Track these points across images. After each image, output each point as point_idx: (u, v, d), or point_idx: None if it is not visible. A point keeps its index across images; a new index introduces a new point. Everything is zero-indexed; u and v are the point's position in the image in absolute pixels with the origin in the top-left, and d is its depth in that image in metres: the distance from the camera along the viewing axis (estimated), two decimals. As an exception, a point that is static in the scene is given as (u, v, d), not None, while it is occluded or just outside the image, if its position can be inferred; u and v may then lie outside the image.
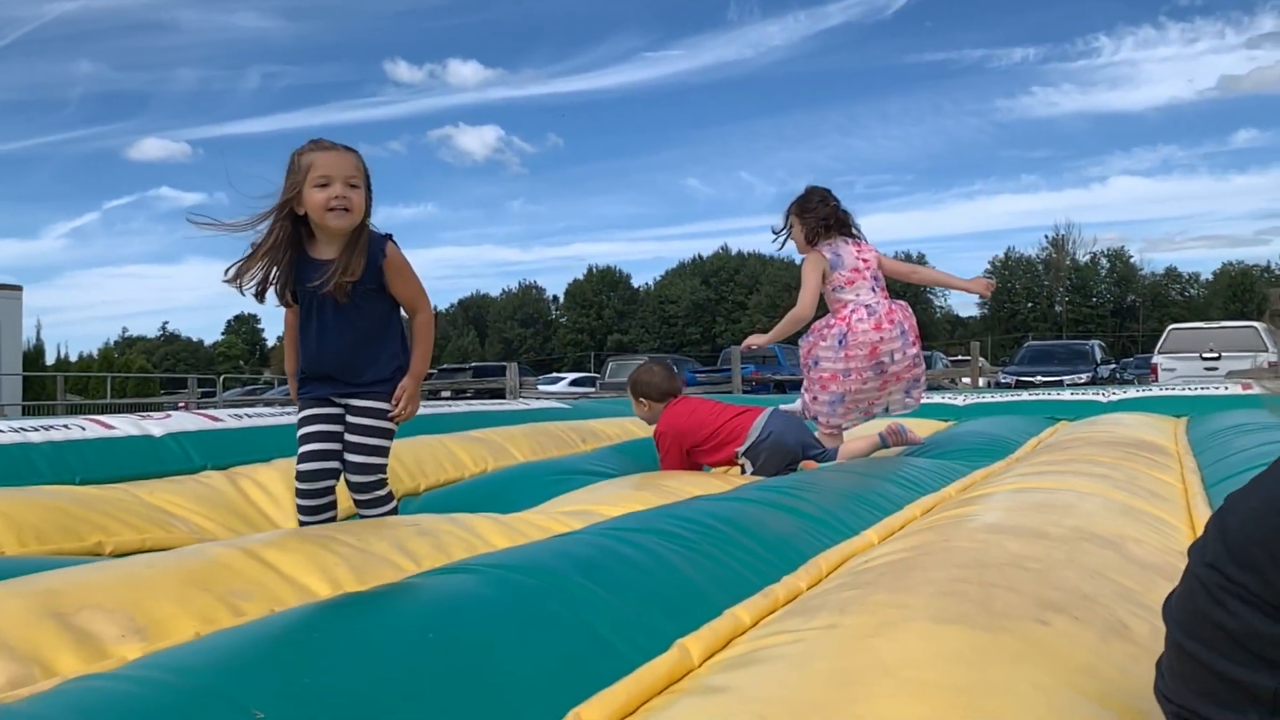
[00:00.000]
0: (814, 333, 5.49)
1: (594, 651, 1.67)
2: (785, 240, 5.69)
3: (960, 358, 30.69)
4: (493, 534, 2.88)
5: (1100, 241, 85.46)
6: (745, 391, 17.50)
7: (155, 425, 4.92)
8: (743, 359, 18.98)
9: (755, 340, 5.81)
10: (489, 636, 1.61)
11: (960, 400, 9.34)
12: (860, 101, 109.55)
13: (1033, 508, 2.77)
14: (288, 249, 3.28)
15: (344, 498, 3.53)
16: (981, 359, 24.63)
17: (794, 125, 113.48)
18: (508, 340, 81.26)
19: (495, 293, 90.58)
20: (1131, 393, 9.09)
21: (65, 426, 4.63)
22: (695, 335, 74.94)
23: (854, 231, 5.58)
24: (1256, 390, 8.68)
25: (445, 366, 37.13)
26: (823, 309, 5.57)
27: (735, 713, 1.27)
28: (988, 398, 9.49)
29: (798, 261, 5.62)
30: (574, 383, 32.31)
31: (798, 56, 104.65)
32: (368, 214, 3.33)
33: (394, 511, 3.53)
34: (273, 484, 4.35)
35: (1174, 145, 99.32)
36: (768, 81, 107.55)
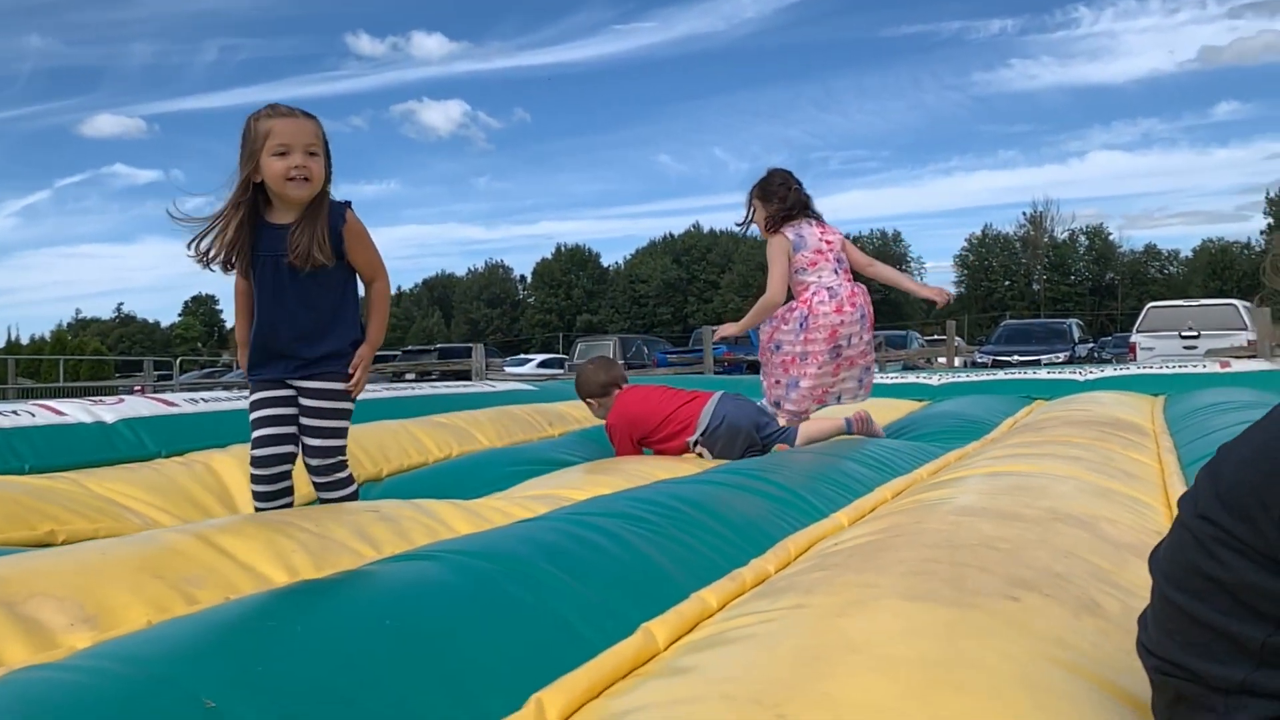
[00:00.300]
0: (775, 317, 5.50)
1: (558, 637, 1.68)
2: (749, 225, 5.71)
3: (936, 337, 30.84)
4: (456, 519, 2.88)
5: (1079, 218, 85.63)
6: (717, 373, 17.52)
7: (108, 411, 4.88)
8: (715, 340, 18.99)
9: (728, 330, 5.81)
10: (449, 623, 1.61)
11: (935, 380, 9.38)
12: (836, 75, 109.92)
13: (1006, 490, 2.79)
14: (247, 217, 3.27)
15: (304, 484, 3.52)
16: (958, 338, 24.78)
17: (768, 100, 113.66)
18: (474, 321, 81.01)
19: (461, 272, 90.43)
20: (1109, 371, 9.15)
21: (14, 413, 4.59)
22: (666, 315, 74.89)
23: (816, 212, 5.60)
24: (1236, 368, 8.75)
25: (409, 348, 37.03)
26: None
27: (701, 693, 1.28)
28: (963, 377, 9.53)
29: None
30: (542, 364, 32.26)
31: (772, 29, 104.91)
32: (328, 181, 3.32)
33: (355, 495, 3.53)
34: (228, 471, 4.32)
35: (1154, 119, 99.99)
36: (741, 54, 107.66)
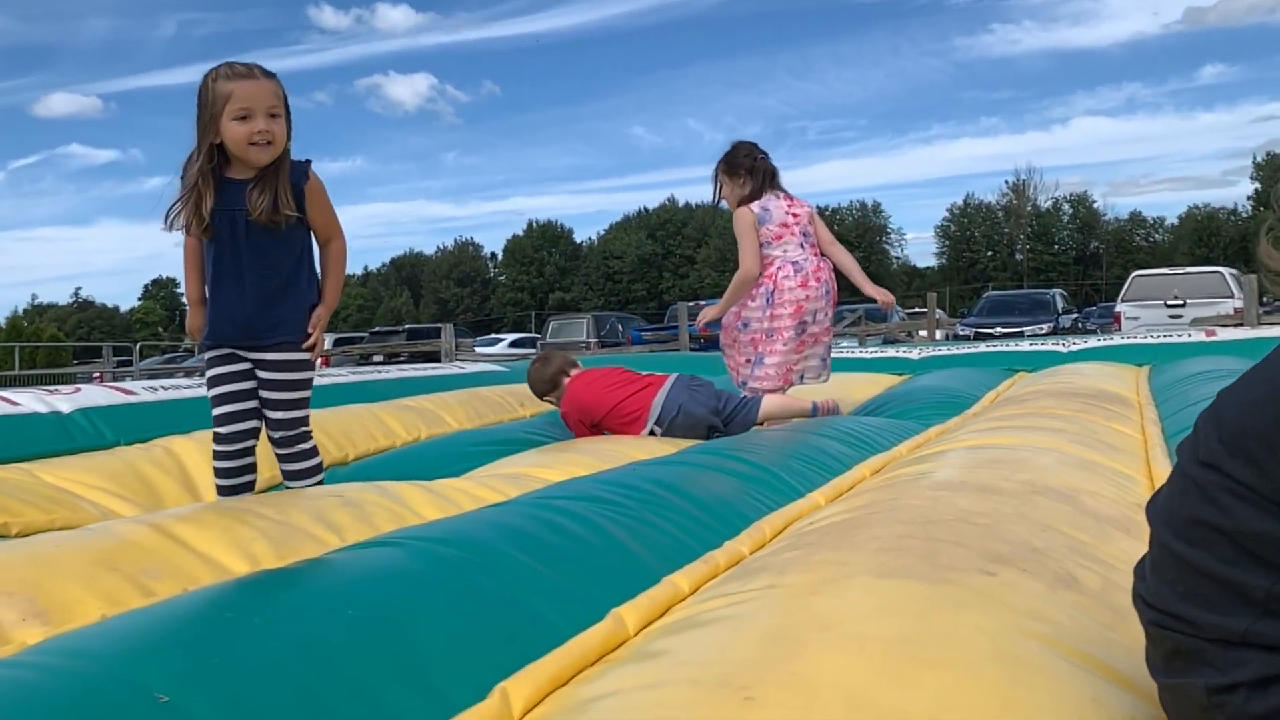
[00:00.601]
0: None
1: (525, 624, 1.68)
2: (720, 200, 5.72)
3: (917, 310, 30.90)
4: (422, 504, 2.88)
5: (1062, 186, 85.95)
6: (693, 349, 17.53)
7: (63, 401, 4.84)
8: (690, 316, 18.99)
9: (709, 314, 5.79)
10: (412, 612, 1.61)
11: (915, 354, 9.40)
12: (812, 42, 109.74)
13: (985, 464, 2.80)
14: (211, 178, 3.26)
15: (266, 467, 3.52)
16: (939, 310, 24.84)
17: (744, 69, 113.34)
18: (443, 301, 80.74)
19: (429, 251, 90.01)
20: (1092, 342, 9.19)
21: (-35, 403, 4.55)
22: (641, 292, 74.78)
23: (782, 185, 5.61)
24: (1222, 336, 8.80)
25: (377, 330, 36.85)
26: None
27: (668, 677, 1.29)
28: (944, 350, 9.56)
29: None
30: (514, 344, 32.17)
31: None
32: (288, 138, 3.32)
33: (319, 467, 3.55)
34: (189, 454, 4.30)
35: (1139, 83, 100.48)
36: (715, 22, 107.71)
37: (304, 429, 3.47)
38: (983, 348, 9.68)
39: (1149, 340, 8.95)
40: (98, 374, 25.49)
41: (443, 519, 2.47)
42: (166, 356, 38.67)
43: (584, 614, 1.72)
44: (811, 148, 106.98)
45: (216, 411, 3.39)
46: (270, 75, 3.28)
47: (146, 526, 2.30)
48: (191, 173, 3.24)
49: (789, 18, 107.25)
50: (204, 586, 1.88)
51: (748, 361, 5.49)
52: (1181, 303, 19.05)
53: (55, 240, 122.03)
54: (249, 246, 3.29)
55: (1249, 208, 66.36)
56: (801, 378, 5.54)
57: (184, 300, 3.76)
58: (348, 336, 36.56)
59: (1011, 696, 1.19)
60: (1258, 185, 65.52)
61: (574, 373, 5.39)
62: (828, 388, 5.85)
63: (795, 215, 5.48)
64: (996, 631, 1.38)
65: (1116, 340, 9.22)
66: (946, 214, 75.76)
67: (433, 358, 19.31)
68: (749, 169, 5.53)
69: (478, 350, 26.21)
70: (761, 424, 5.02)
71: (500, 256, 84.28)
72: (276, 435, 3.42)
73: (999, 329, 22.19)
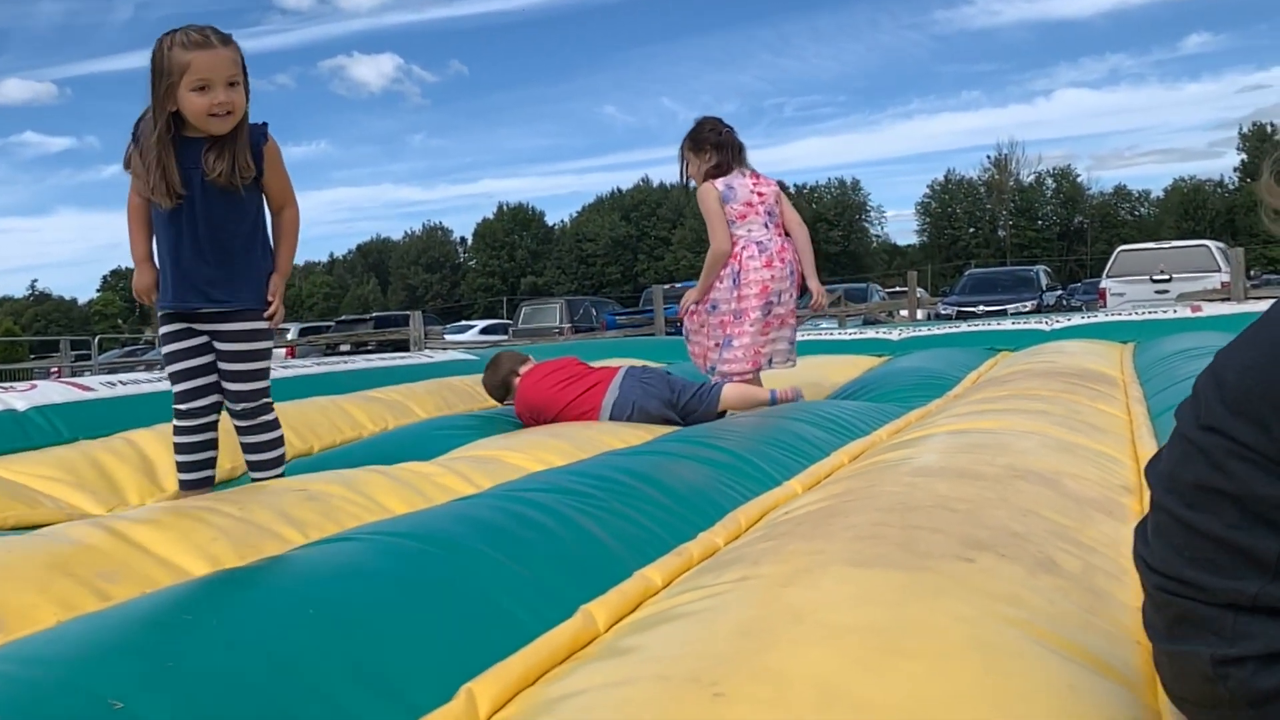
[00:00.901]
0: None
1: (492, 622, 1.68)
2: (688, 178, 5.72)
3: (897, 289, 30.99)
4: (387, 495, 2.87)
5: (1045, 160, 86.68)
6: (670, 334, 17.53)
7: (18, 398, 4.80)
8: (665, 299, 18.99)
9: (691, 297, 5.77)
10: (375, 610, 1.61)
11: (895, 334, 9.42)
12: (789, 17, 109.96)
13: (965, 448, 2.81)
14: (171, 146, 3.25)
15: (226, 458, 3.51)
16: (920, 289, 24.89)
17: (719, 45, 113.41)
18: (412, 287, 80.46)
19: (397, 236, 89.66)
20: (1076, 319, 9.23)
21: (-84, 401, 4.52)
22: (616, 275, 74.69)
23: (748, 162, 5.62)
24: (1208, 311, 8.85)
25: (344, 318, 36.77)
26: None
27: (636, 674, 1.29)
28: (924, 331, 9.58)
29: None
30: (485, 330, 32.08)
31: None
32: (247, 101, 3.32)
33: (281, 440, 3.57)
34: (150, 444, 4.27)
35: (1122, 54, 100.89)
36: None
37: (265, 400, 3.48)
38: (964, 327, 9.72)
39: (1133, 317, 8.99)
40: (55, 369, 25.32)
41: (409, 513, 2.47)
42: (127, 350, 38.42)
43: (553, 610, 1.72)
44: (789, 125, 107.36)
45: (177, 388, 3.40)
46: (227, 41, 3.26)
47: (102, 529, 2.29)
48: (150, 143, 3.23)
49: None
50: (161, 589, 1.87)
51: (716, 345, 5.48)
52: (1167, 277, 19.12)
53: (10, 231, 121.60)
54: (205, 208, 3.29)
55: (1235, 180, 66.72)
56: (770, 362, 5.53)
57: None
58: (313, 326, 36.35)
59: (988, 685, 1.19)
60: (1244, 157, 65.84)
61: (524, 370, 5.37)
62: (797, 371, 5.86)
63: (761, 194, 5.50)
64: (973, 619, 1.38)
65: (1100, 318, 9.26)
66: (927, 190, 76.10)
67: (401, 346, 19.25)
68: (714, 144, 5.54)
69: (448, 338, 26.12)
70: (722, 414, 5.00)
71: (470, 241, 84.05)
72: (238, 407, 3.43)
73: (982, 307, 22.27)
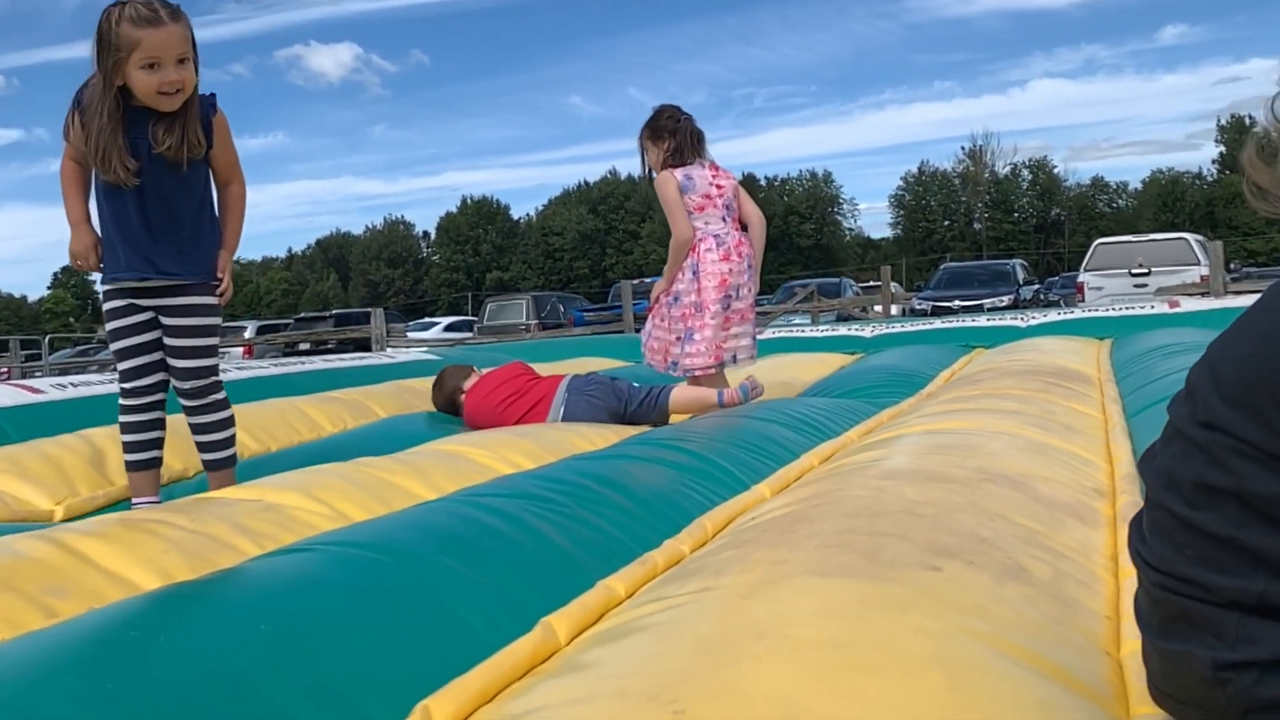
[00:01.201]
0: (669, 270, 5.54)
1: (450, 636, 1.68)
2: (649, 169, 5.74)
3: (871, 284, 31.05)
4: (346, 503, 2.85)
5: (1021, 151, 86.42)
6: (639, 330, 17.56)
7: (-38, 401, 4.78)
8: (634, 294, 19.00)
9: (660, 288, 5.77)
10: (329, 624, 1.61)
11: (868, 331, 9.45)
12: (758, 5, 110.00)
13: (934, 450, 2.83)
14: (121, 123, 3.25)
15: (174, 459, 3.48)
16: (894, 284, 24.97)
17: (688, 34, 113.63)
18: (374, 283, 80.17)
19: (358, 230, 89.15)
20: (1052, 315, 9.29)
21: None
22: (583, 269, 74.67)
23: (707, 153, 5.64)
24: (1186, 307, 8.92)
25: (303, 315, 36.52)
26: None
27: (595, 690, 1.29)
28: (897, 328, 9.62)
29: None
30: (449, 328, 31.97)
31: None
32: (196, 74, 3.32)
33: (231, 420, 3.59)
34: (101, 437, 4.23)
35: (1098, 44, 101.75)
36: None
37: (215, 378, 3.49)
38: (939, 324, 9.76)
39: (1110, 313, 9.06)
40: (4, 370, 25.14)
41: (366, 521, 2.46)
42: (79, 349, 38.14)
43: (513, 623, 1.72)
44: (759, 115, 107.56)
45: (122, 365, 3.41)
46: (176, 15, 3.25)
47: (49, 543, 2.27)
48: (102, 122, 3.21)
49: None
50: (110, 604, 1.86)
51: (678, 339, 5.49)
52: (1146, 271, 19.25)
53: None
54: (153, 180, 3.30)
55: (1214, 171, 67.22)
56: (735, 358, 5.55)
57: (96, 287, 3.75)
58: (271, 323, 36.19)
59: (951, 702, 1.20)
60: (1222, 149, 66.33)
61: (468, 386, 5.35)
62: (768, 370, 5.88)
63: (720, 187, 5.52)
64: (938, 632, 1.39)
65: (1077, 313, 9.33)
66: (901, 182, 76.33)
67: (363, 345, 19.18)
68: (671, 130, 5.56)
69: (411, 335, 26.02)
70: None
71: (433, 235, 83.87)
72: (187, 385, 3.43)
73: (957, 302, 22.34)
